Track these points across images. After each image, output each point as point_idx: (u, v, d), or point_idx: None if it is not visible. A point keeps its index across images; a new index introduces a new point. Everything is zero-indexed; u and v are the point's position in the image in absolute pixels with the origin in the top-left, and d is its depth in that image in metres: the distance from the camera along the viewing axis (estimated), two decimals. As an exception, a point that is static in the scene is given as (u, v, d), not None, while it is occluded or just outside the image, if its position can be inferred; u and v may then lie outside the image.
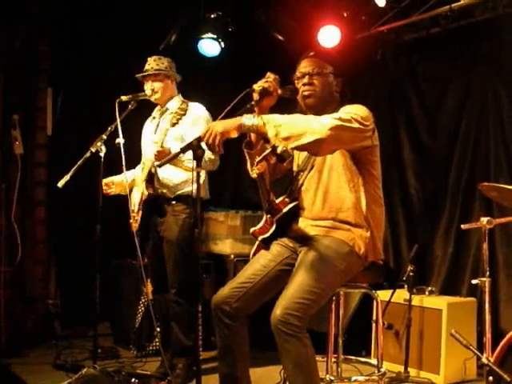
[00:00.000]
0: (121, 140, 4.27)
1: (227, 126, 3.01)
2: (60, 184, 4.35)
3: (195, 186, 4.45)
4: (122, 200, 4.26)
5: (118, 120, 4.27)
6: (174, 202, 4.66)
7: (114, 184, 4.74)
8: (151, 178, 4.61)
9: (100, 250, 4.30)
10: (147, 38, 6.12)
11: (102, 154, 4.30)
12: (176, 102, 4.76)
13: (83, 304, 5.03)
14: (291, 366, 2.99)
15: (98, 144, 4.30)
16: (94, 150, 4.31)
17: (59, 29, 5.90)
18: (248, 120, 3.00)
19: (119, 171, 4.46)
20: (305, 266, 3.13)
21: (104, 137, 4.33)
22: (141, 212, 4.62)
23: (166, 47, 6.16)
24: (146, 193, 4.56)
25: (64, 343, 5.53)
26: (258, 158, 3.18)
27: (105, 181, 4.69)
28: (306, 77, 3.37)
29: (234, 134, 3.03)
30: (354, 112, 3.15)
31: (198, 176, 2.91)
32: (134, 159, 4.71)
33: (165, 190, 4.65)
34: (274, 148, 3.12)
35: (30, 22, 5.72)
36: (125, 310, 5.67)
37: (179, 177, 4.63)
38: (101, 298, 4.33)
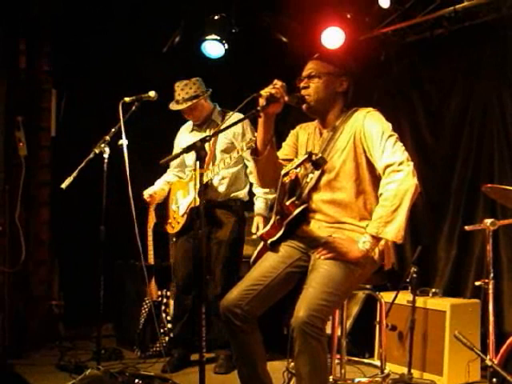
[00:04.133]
0: (124, 141, 4.28)
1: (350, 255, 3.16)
2: (64, 185, 4.36)
3: (245, 190, 5.05)
4: (126, 202, 4.25)
5: (122, 121, 4.28)
6: (224, 206, 4.96)
7: (156, 194, 5.09)
8: (205, 187, 4.82)
9: (104, 251, 4.31)
10: (151, 39, 6.13)
11: (105, 156, 4.31)
12: (218, 115, 5.03)
13: (87, 305, 5.03)
14: (308, 367, 2.97)
15: (102, 145, 4.32)
16: (97, 151, 4.33)
17: (62, 30, 5.89)
18: (366, 244, 3.15)
19: (122, 173, 4.47)
20: (322, 268, 3.13)
21: (107, 138, 4.34)
22: (186, 216, 4.93)
23: (170, 48, 6.17)
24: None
25: (67, 344, 5.55)
26: (293, 165, 3.20)
27: (148, 192, 5.08)
28: (305, 80, 3.39)
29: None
30: (394, 140, 3.23)
31: (202, 177, 2.91)
32: (137, 161, 4.70)
33: (216, 195, 4.93)
34: (310, 155, 3.16)
35: (33, 24, 5.73)
36: (128, 311, 5.67)
37: (231, 182, 4.95)
38: (104, 299, 4.34)
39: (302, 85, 3.38)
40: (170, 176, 5.26)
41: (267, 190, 4.94)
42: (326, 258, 3.13)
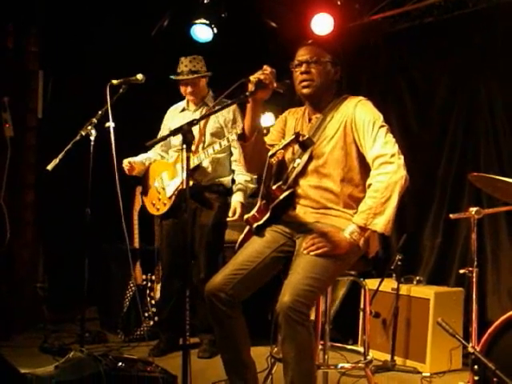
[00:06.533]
0: (111, 124, 4.27)
1: (339, 249, 3.14)
2: (49, 167, 4.35)
3: (229, 177, 5.02)
4: (112, 184, 4.24)
5: (109, 104, 4.27)
6: (209, 190, 4.96)
7: (135, 164, 5.03)
8: (194, 169, 4.83)
9: (89, 234, 4.30)
10: (140, 22, 6.10)
11: (92, 138, 4.31)
12: (211, 99, 5.05)
13: (71, 288, 5.03)
14: (295, 352, 2.97)
15: (89, 127, 4.33)
16: (84, 133, 4.34)
17: (50, 11, 5.85)
18: (354, 235, 3.15)
19: (108, 155, 4.46)
20: (308, 254, 3.13)
21: (94, 120, 4.35)
22: (174, 198, 4.92)
23: (158, 32, 6.14)
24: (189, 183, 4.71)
25: (51, 327, 5.53)
26: (280, 146, 3.20)
27: (128, 160, 5.01)
28: (304, 65, 3.36)
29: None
30: (386, 131, 3.23)
31: (188, 160, 2.90)
32: (124, 143, 4.68)
33: (202, 178, 4.94)
34: (298, 135, 3.15)
35: (21, 5, 5.68)
36: (113, 294, 5.67)
37: (216, 167, 4.96)
38: (89, 282, 4.33)
39: (302, 70, 3.36)
40: (152, 154, 5.22)
41: (249, 179, 4.97)
42: (314, 255, 3.12)
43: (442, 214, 5.40)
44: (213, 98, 5.06)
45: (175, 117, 5.11)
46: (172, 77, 4.94)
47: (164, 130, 5.15)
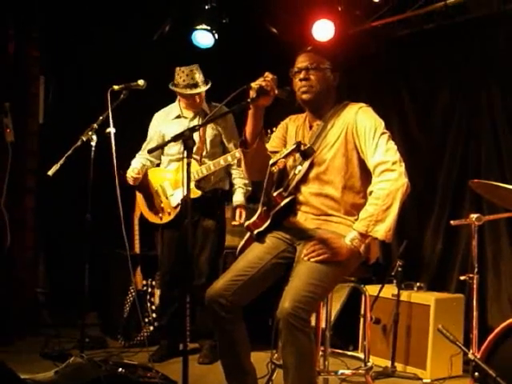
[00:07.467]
0: (111, 129, 4.27)
1: (339, 256, 3.13)
2: (50, 172, 4.35)
3: (227, 180, 5.07)
4: (112, 189, 4.23)
5: (110, 109, 4.27)
6: (211, 197, 4.96)
7: (139, 174, 5.03)
8: (200, 179, 4.86)
9: (90, 239, 4.30)
10: (141, 27, 6.10)
11: (93, 143, 4.31)
12: (206, 105, 5.04)
13: (72, 293, 5.03)
14: (295, 358, 2.97)
15: (89, 133, 4.33)
16: (85, 138, 4.34)
17: (51, 16, 5.86)
18: (354, 241, 3.14)
19: (109, 160, 4.46)
20: (308, 260, 3.13)
21: (95, 126, 4.35)
22: (179, 208, 4.91)
23: (160, 37, 6.15)
24: (198, 193, 4.82)
25: (52, 332, 5.52)
26: (282, 155, 3.20)
27: (136, 170, 4.99)
28: (303, 72, 3.37)
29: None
30: (387, 138, 3.23)
31: (189, 166, 2.90)
32: (124, 148, 4.69)
33: (206, 186, 4.95)
34: (299, 144, 3.16)
35: (21, 10, 5.69)
36: (113, 299, 5.67)
37: (218, 173, 4.97)
38: (90, 288, 4.33)
39: (301, 76, 3.37)
40: (142, 159, 5.16)
41: (246, 182, 5.04)
42: (315, 261, 3.12)
43: (443, 220, 5.40)
44: (208, 103, 5.04)
45: (169, 123, 5.04)
46: (174, 89, 4.92)
47: (155, 136, 5.07)
